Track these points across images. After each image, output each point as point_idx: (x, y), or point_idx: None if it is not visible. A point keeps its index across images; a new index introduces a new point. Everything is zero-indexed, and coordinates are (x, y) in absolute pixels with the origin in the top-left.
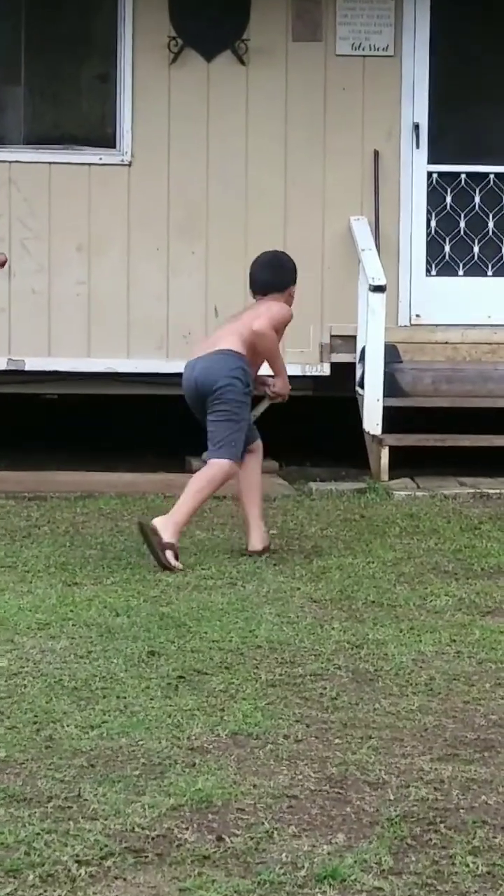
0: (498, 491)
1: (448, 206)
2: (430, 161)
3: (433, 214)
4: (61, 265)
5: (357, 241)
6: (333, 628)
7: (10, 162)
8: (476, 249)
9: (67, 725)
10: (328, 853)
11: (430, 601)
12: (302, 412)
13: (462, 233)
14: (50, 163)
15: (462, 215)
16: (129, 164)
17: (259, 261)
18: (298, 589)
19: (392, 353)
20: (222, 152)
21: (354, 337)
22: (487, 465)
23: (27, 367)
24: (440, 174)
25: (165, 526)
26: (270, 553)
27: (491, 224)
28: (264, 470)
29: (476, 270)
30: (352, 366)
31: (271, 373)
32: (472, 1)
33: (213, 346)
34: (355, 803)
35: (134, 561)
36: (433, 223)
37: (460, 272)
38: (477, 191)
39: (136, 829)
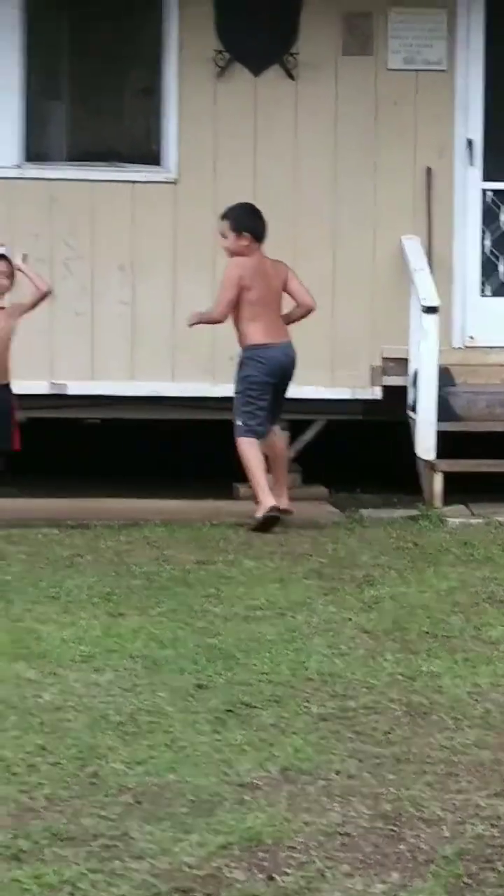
0: None
1: (503, 225)
2: (485, 178)
3: (487, 233)
4: (104, 286)
5: (409, 261)
6: (386, 660)
7: (52, 180)
8: None
9: (113, 761)
10: (382, 892)
11: (486, 631)
12: (352, 437)
13: None
14: (93, 180)
15: None
16: (175, 182)
17: (252, 209)
18: (350, 619)
19: (445, 377)
20: (270, 169)
21: (406, 360)
22: None
23: (69, 392)
24: (495, 192)
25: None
26: (321, 581)
27: None
28: (314, 496)
29: None
30: (404, 389)
31: None
32: None
33: (283, 332)
34: (410, 840)
35: (180, 591)
36: (487, 242)
37: None
38: None
39: (185, 869)
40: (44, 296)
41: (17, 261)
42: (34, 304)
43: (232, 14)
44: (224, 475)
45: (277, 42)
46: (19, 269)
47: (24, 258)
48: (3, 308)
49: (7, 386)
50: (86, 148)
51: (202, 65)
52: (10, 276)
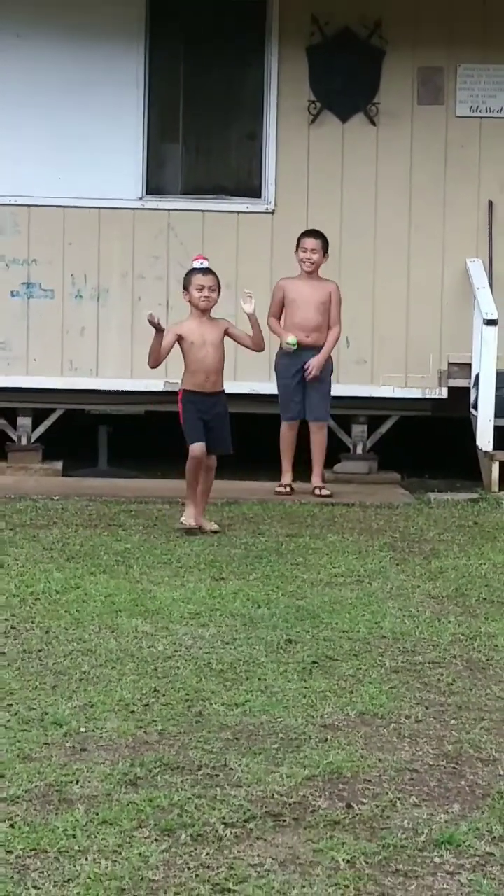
0: None
1: None
2: None
3: None
4: None
5: (472, 280)
6: (450, 622)
7: (169, 210)
8: None
9: (215, 703)
10: (445, 821)
11: None
12: (422, 431)
13: None
14: (203, 210)
15: None
16: (273, 212)
17: None
18: (418, 587)
19: (503, 380)
20: (354, 202)
21: (469, 364)
22: None
23: None
24: None
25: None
26: (394, 553)
27: None
28: (388, 481)
29: None
30: (467, 390)
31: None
32: None
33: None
34: (469, 777)
35: (273, 560)
36: None
37: None
38: None
39: (275, 796)
40: (253, 348)
41: (249, 308)
42: (239, 341)
43: (323, 68)
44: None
45: (361, 93)
46: (249, 315)
47: (249, 299)
48: (214, 319)
49: (222, 393)
50: (198, 183)
51: (297, 113)
52: (217, 290)
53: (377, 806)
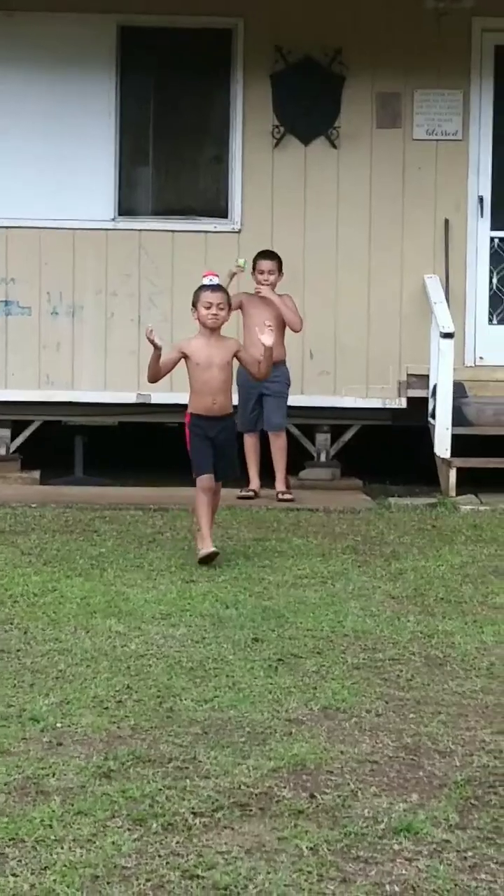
0: None
1: None
2: (493, 228)
3: (495, 273)
4: (182, 316)
5: (430, 296)
6: (409, 620)
7: (139, 230)
8: None
9: (185, 699)
10: (404, 810)
11: (491, 599)
12: (382, 439)
13: None
14: (173, 230)
15: None
16: (239, 232)
17: None
18: (379, 587)
19: (459, 390)
20: (317, 222)
21: (427, 376)
22: None
23: (153, 401)
24: (501, 239)
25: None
26: (356, 555)
27: None
28: (350, 487)
29: None
30: (425, 400)
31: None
32: None
33: None
34: (427, 768)
35: (241, 562)
36: (495, 280)
37: None
38: None
39: (242, 787)
40: (256, 376)
41: (269, 341)
42: (246, 366)
43: (286, 95)
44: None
45: (323, 117)
46: (266, 347)
47: (270, 331)
48: (222, 338)
49: (230, 416)
50: (167, 204)
51: (261, 137)
52: (228, 308)
53: (339, 796)
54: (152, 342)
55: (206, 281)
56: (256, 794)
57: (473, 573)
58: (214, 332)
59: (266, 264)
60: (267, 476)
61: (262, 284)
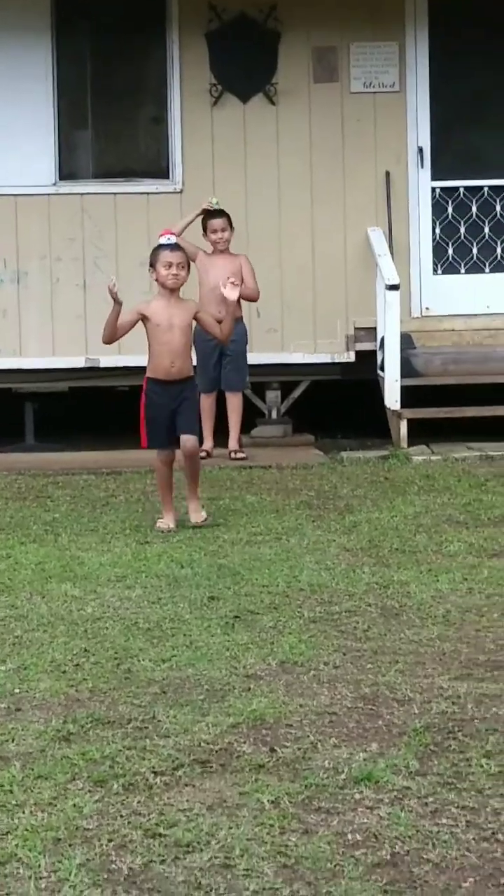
0: (501, 453)
1: (450, 216)
2: (434, 178)
3: (437, 223)
4: (128, 278)
5: (374, 248)
6: (364, 572)
7: (81, 194)
8: (475, 251)
9: (143, 660)
10: (363, 760)
11: (445, 547)
12: (333, 394)
13: (462, 237)
14: (115, 193)
15: (462, 223)
16: (181, 192)
17: None
18: (334, 541)
19: (407, 341)
20: (258, 178)
21: (375, 328)
22: (491, 432)
23: (102, 364)
24: (442, 189)
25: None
26: (310, 510)
27: (486, 229)
28: (302, 443)
29: (475, 269)
30: (373, 353)
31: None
32: (462, 43)
33: None
34: (385, 717)
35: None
36: (438, 230)
37: (462, 270)
38: (473, 201)
39: (202, 744)
40: (219, 338)
41: (234, 295)
42: (206, 328)
43: (222, 53)
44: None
45: (260, 74)
46: (229, 304)
47: (234, 286)
48: (182, 300)
49: (190, 379)
50: (108, 167)
51: (200, 96)
52: (187, 267)
53: (299, 749)
54: (114, 297)
55: (163, 240)
56: (216, 751)
57: (427, 523)
58: (174, 293)
59: (218, 223)
60: (220, 435)
61: (218, 244)
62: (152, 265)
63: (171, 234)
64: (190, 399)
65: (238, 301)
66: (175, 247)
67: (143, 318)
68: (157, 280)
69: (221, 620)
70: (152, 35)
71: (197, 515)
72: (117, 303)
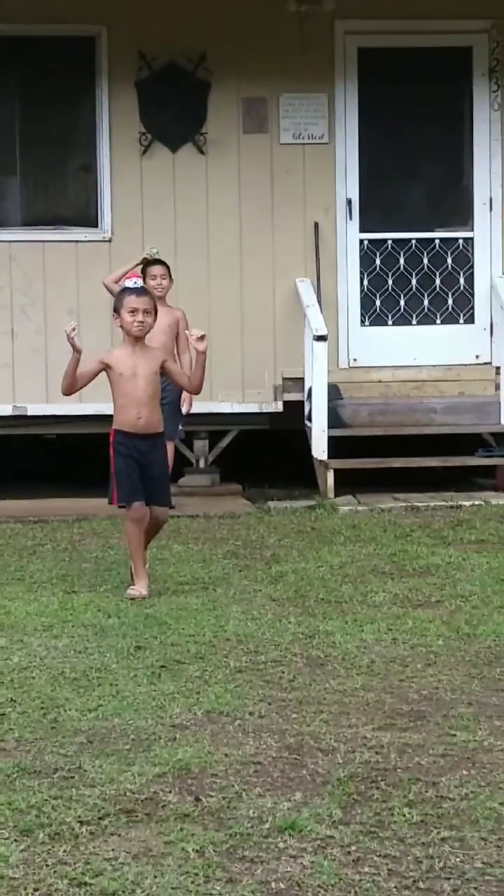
0: (426, 504)
1: (378, 268)
2: (362, 230)
3: (365, 275)
4: (56, 326)
5: (302, 299)
6: (290, 622)
7: (9, 241)
8: (402, 303)
9: (69, 709)
10: (287, 809)
11: (371, 597)
12: (260, 443)
13: (390, 289)
14: (43, 241)
15: (389, 275)
16: (110, 241)
17: None
18: (260, 590)
19: (334, 392)
20: (187, 228)
21: (303, 379)
22: (416, 483)
23: (29, 413)
24: (370, 241)
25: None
26: (236, 560)
27: (414, 281)
28: (230, 492)
29: (403, 320)
30: (301, 403)
31: None
32: (390, 97)
33: None
34: (310, 767)
35: (122, 571)
36: (366, 282)
37: (390, 322)
38: (401, 254)
39: (128, 794)
40: (189, 389)
41: (201, 346)
42: (175, 379)
43: (152, 102)
44: None
45: (190, 124)
46: (198, 354)
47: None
48: (148, 348)
49: (160, 436)
50: (37, 215)
51: (129, 145)
52: (154, 313)
53: (224, 798)
54: (73, 344)
55: (128, 283)
56: (142, 800)
57: (353, 573)
58: (139, 341)
59: (158, 269)
60: None
61: (157, 290)
62: (116, 310)
63: (138, 276)
64: (161, 463)
65: (174, 354)
66: (142, 291)
67: (106, 368)
68: (121, 327)
69: (148, 670)
70: (82, 83)
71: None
72: (76, 350)
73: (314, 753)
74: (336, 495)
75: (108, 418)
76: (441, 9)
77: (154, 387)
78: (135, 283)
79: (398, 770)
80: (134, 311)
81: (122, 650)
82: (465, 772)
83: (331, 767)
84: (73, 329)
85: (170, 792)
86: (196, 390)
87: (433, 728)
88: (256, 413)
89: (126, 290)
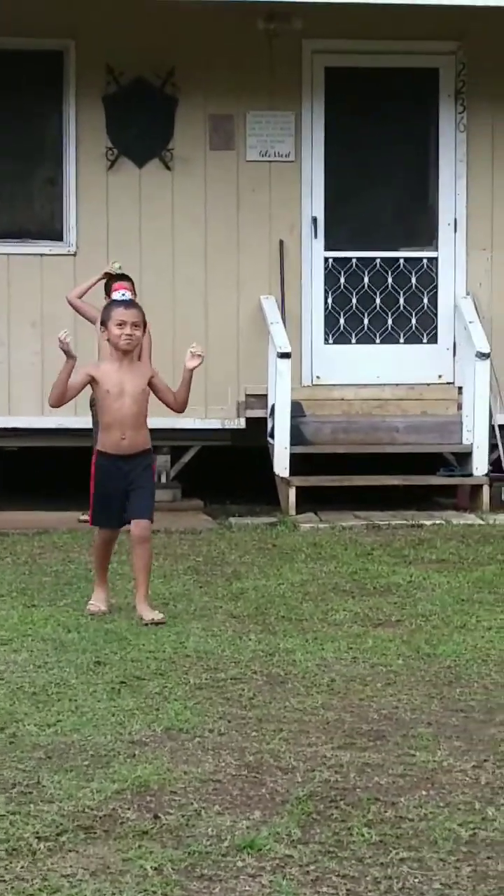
0: (387, 522)
1: (342, 286)
2: (327, 248)
3: (330, 293)
4: (19, 339)
5: (266, 316)
6: (250, 639)
7: None
8: (366, 321)
9: (28, 724)
10: (247, 827)
11: (331, 615)
12: (223, 460)
13: (354, 308)
14: (8, 254)
15: (354, 293)
16: (75, 255)
17: None
18: (221, 607)
19: (297, 409)
20: (153, 243)
21: (266, 395)
22: (378, 501)
23: None
24: (335, 259)
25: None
26: (197, 576)
27: (378, 300)
28: (192, 508)
29: (366, 339)
30: (264, 420)
31: None
32: (357, 116)
33: None
34: (269, 785)
35: (83, 586)
36: (330, 300)
37: (353, 340)
38: (366, 272)
39: (87, 810)
40: (174, 408)
41: (193, 363)
42: (160, 396)
43: (119, 117)
44: None
45: (156, 139)
46: (188, 371)
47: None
48: (136, 364)
49: (146, 454)
50: (2, 227)
51: (96, 159)
52: (143, 327)
53: (183, 815)
54: (66, 351)
55: (117, 296)
56: (100, 817)
57: (314, 591)
58: (127, 356)
59: (122, 284)
60: None
61: None
62: (103, 323)
63: (126, 288)
64: (144, 478)
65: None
66: (130, 303)
67: (92, 382)
68: (108, 340)
69: (107, 686)
70: (50, 96)
71: (149, 612)
72: (71, 357)
73: (273, 772)
74: (298, 512)
75: (70, 432)
76: (408, 30)
77: (140, 405)
78: (123, 294)
79: (357, 790)
80: (122, 324)
81: (82, 665)
82: (424, 792)
83: (290, 786)
84: (66, 335)
85: (128, 809)
86: (181, 408)
87: (392, 748)
88: (219, 429)
89: (114, 302)
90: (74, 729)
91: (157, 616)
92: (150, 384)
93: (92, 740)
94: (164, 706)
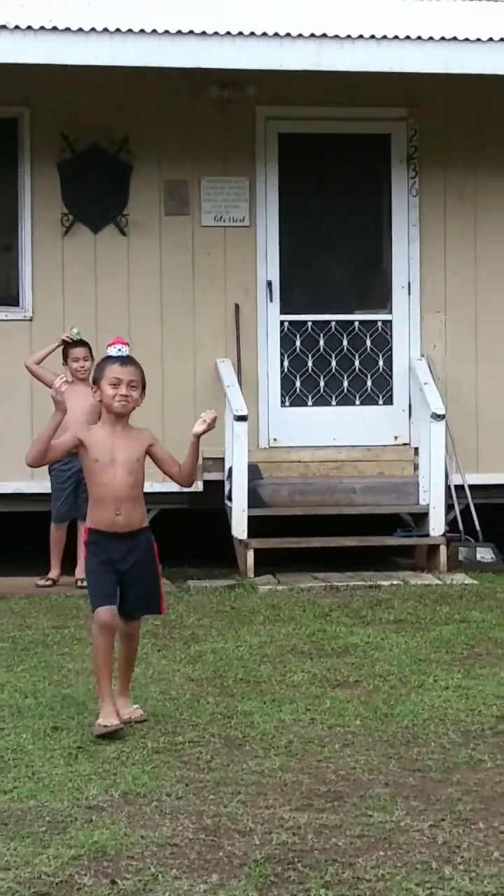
0: (345, 583)
1: (298, 349)
2: (282, 312)
3: (286, 356)
4: None
5: (223, 379)
6: (208, 702)
7: None
8: (322, 384)
9: None
10: (204, 891)
11: (289, 677)
12: (180, 522)
13: (310, 370)
14: None
15: (310, 356)
16: (31, 320)
17: None
18: (179, 670)
19: (254, 471)
20: (108, 308)
21: (223, 458)
22: (336, 562)
23: None
24: (290, 322)
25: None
26: (155, 639)
27: (333, 363)
28: None
29: (322, 401)
30: (221, 482)
31: None
32: (310, 181)
33: None
34: (227, 848)
35: (40, 651)
36: (286, 363)
37: (310, 403)
38: (321, 335)
39: (43, 877)
40: (180, 481)
41: (200, 428)
42: (163, 467)
43: (74, 183)
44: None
45: (112, 205)
46: (195, 438)
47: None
48: (133, 429)
49: (143, 531)
50: None
51: (51, 225)
52: (140, 387)
53: (140, 880)
54: (58, 401)
55: (112, 351)
56: (57, 883)
57: (272, 653)
58: (121, 420)
59: (80, 351)
60: (67, 562)
61: (79, 372)
62: (96, 381)
63: (123, 343)
64: (146, 562)
65: None
66: (127, 360)
67: (80, 445)
68: (100, 401)
69: (64, 751)
70: (4, 163)
71: (130, 710)
72: (60, 410)
73: (231, 835)
74: (256, 574)
75: (29, 497)
76: (360, 97)
77: (136, 476)
78: (119, 350)
79: (315, 851)
80: (117, 384)
81: (39, 731)
82: (381, 853)
83: (248, 849)
84: (63, 380)
85: (85, 875)
86: (187, 482)
87: (350, 809)
88: (177, 492)
89: (108, 358)
90: (31, 795)
91: (139, 712)
92: (149, 454)
93: (49, 806)
94: (122, 771)
